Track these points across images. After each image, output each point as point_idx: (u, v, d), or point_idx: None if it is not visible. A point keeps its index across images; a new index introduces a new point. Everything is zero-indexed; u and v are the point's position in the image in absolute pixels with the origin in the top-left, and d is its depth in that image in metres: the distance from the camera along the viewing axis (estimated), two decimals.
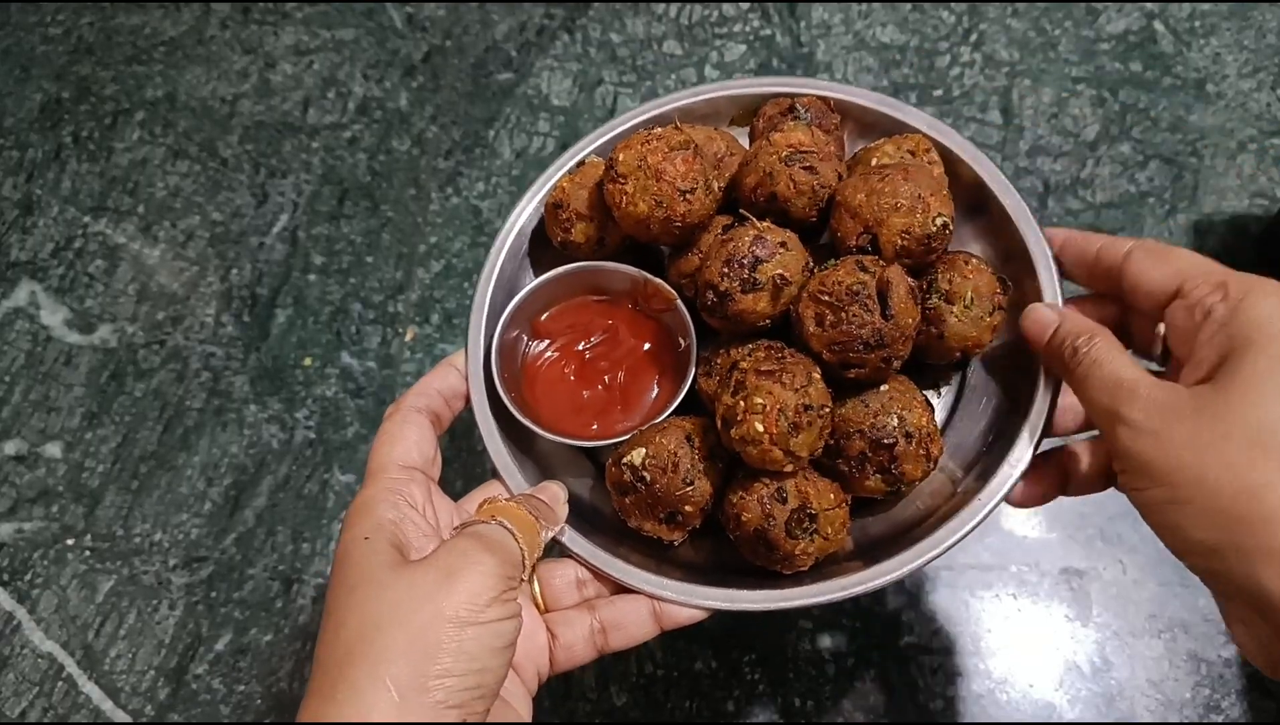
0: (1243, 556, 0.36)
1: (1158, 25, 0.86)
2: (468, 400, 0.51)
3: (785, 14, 0.89)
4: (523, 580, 0.42)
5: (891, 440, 0.46)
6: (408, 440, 0.47)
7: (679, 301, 0.52)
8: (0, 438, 0.76)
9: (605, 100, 0.87)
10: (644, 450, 0.47)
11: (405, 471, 0.45)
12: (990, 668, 0.64)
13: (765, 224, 0.48)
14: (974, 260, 0.50)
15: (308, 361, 0.77)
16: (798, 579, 0.47)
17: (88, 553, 0.71)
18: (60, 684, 0.67)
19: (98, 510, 0.73)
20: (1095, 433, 0.47)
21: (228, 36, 0.93)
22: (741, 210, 0.50)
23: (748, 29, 0.89)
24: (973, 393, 0.52)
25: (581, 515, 0.50)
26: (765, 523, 0.45)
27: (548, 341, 0.54)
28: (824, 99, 0.56)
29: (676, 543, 0.50)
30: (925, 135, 0.54)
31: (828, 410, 0.45)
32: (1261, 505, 0.36)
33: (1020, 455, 0.47)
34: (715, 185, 0.50)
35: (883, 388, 0.47)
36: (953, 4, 0.89)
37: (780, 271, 0.46)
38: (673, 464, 0.47)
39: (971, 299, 0.48)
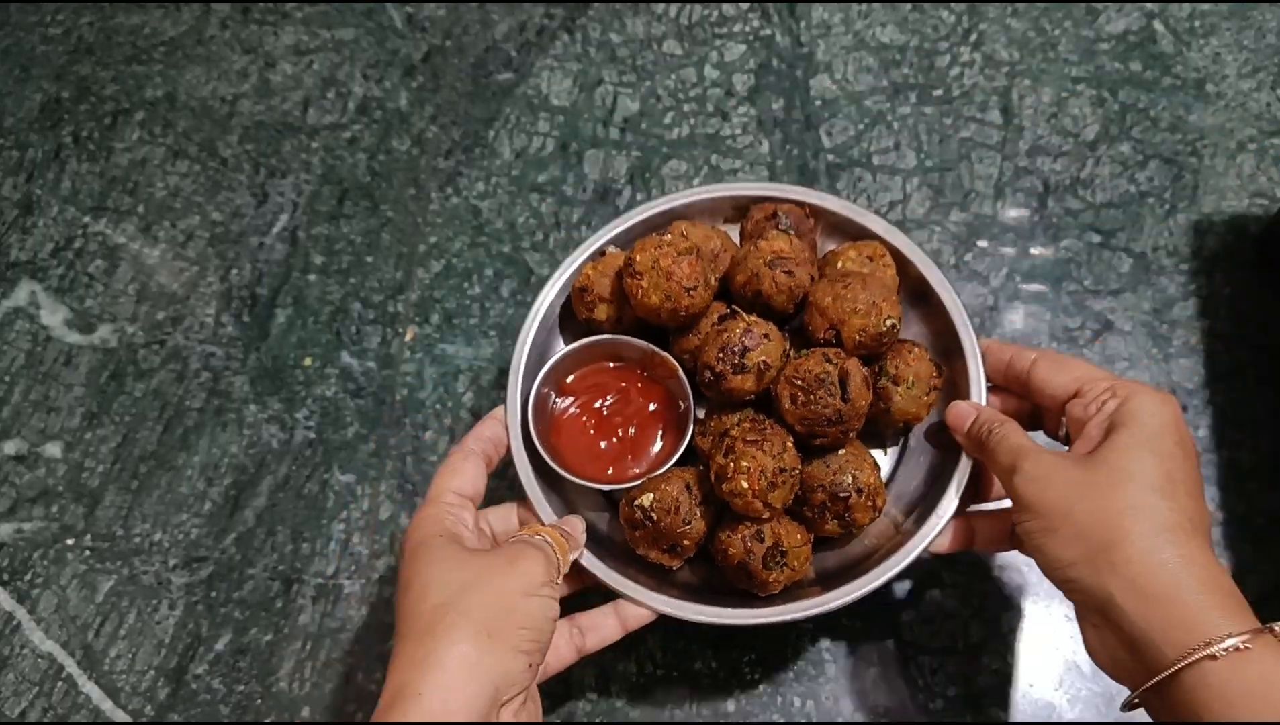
0: (1094, 570, 0.46)
1: (1157, 25, 0.86)
2: (509, 447, 0.61)
3: (785, 14, 0.89)
4: (556, 585, 0.51)
5: (846, 494, 0.57)
6: (465, 474, 0.56)
7: (680, 371, 0.62)
8: (0, 438, 0.76)
9: (605, 100, 0.87)
10: (652, 495, 0.57)
11: (460, 499, 0.55)
12: (990, 667, 0.65)
13: (752, 317, 0.58)
14: (916, 349, 0.60)
15: (308, 361, 0.78)
16: (770, 600, 0.58)
17: (88, 553, 0.71)
18: (60, 684, 0.67)
19: (98, 510, 0.73)
20: (997, 506, 0.58)
21: (227, 36, 0.93)
22: (734, 306, 0.61)
23: (748, 29, 0.89)
24: (912, 453, 0.64)
25: (598, 542, 0.60)
26: (747, 557, 0.56)
27: (572, 398, 0.65)
28: (801, 205, 0.66)
29: (675, 568, 0.60)
30: (882, 240, 0.65)
31: (798, 471, 0.56)
32: (1111, 532, 0.46)
33: (947, 507, 0.58)
34: (712, 279, 0.61)
35: (841, 452, 0.58)
36: (953, 4, 0.89)
37: (763, 358, 0.57)
38: (675, 507, 0.57)
39: (913, 382, 0.59)
